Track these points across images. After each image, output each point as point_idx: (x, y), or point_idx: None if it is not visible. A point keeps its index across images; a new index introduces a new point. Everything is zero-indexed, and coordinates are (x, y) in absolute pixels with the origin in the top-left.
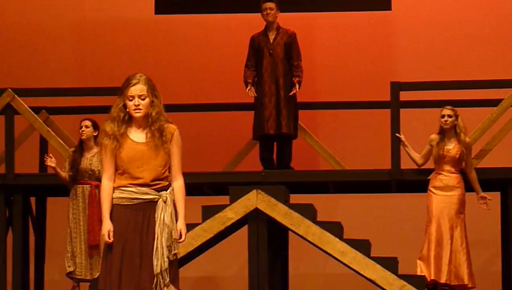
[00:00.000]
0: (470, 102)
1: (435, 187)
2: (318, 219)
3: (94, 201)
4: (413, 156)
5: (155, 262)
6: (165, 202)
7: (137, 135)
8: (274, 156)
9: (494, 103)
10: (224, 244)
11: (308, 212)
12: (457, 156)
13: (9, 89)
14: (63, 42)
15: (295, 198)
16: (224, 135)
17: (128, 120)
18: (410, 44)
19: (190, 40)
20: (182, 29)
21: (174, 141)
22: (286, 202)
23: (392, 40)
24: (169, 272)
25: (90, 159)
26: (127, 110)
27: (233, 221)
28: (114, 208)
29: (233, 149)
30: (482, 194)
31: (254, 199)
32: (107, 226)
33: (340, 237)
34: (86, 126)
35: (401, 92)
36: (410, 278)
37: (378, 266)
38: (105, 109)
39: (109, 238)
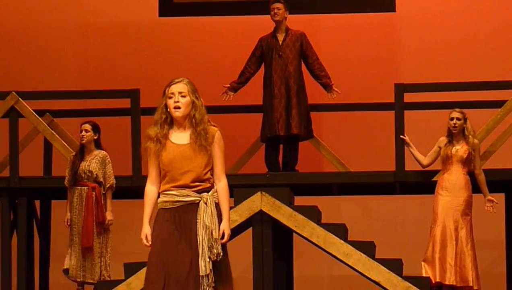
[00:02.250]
0: (474, 103)
1: (442, 188)
2: (322, 221)
3: (90, 202)
4: (418, 157)
5: (202, 264)
6: (205, 203)
7: (178, 137)
8: (280, 159)
9: (498, 104)
10: (228, 246)
11: (313, 214)
12: (465, 156)
13: (13, 92)
14: (67, 45)
15: (299, 200)
16: (228, 137)
17: (170, 122)
18: (414, 46)
19: (194, 42)
20: (186, 31)
21: (216, 142)
22: (290, 204)
23: (396, 42)
24: (219, 275)
25: (89, 161)
26: (168, 110)
27: (237, 223)
28: (158, 212)
29: (237, 151)
30: (489, 197)
31: (259, 201)
32: (145, 230)
33: (345, 239)
34: (86, 130)
35: (405, 94)
36: (415, 280)
37: (383, 267)
38: (109, 112)
39: (147, 242)
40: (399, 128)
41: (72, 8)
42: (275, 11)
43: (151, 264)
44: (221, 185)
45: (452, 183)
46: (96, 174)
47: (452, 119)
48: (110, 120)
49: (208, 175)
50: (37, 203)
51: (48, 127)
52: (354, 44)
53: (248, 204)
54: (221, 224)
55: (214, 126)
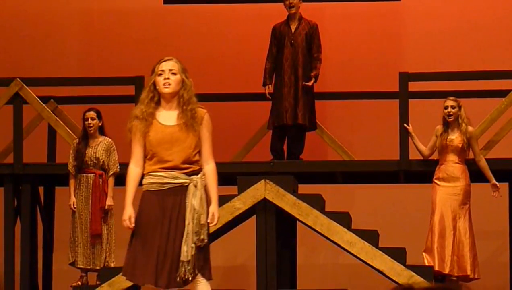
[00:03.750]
0: (478, 92)
1: (439, 179)
2: (326, 209)
3: (98, 190)
4: (420, 147)
5: (184, 249)
6: (195, 186)
7: (166, 117)
8: (285, 147)
9: (502, 94)
10: (232, 234)
11: (317, 202)
12: (460, 145)
13: (18, 79)
14: (71, 32)
15: (303, 189)
16: (233, 125)
17: (158, 101)
18: (419, 35)
19: (199, 30)
20: (191, 19)
21: (204, 124)
22: (294, 192)
23: (401, 31)
24: (199, 260)
25: (95, 148)
26: (157, 88)
27: (241, 211)
28: (144, 194)
29: (241, 139)
30: (494, 182)
31: (263, 189)
32: (128, 212)
33: (348, 228)
34: (92, 118)
35: (409, 83)
36: (418, 269)
37: (386, 256)
38: (113, 99)
39: (130, 224)
40: (404, 117)
41: None
42: (290, 0)
43: (137, 251)
44: (210, 167)
45: (449, 173)
46: (103, 161)
47: (446, 107)
48: (114, 107)
49: (197, 157)
50: (41, 189)
51: (52, 114)
52: (359, 33)
53: (252, 192)
54: (211, 207)
55: (201, 108)
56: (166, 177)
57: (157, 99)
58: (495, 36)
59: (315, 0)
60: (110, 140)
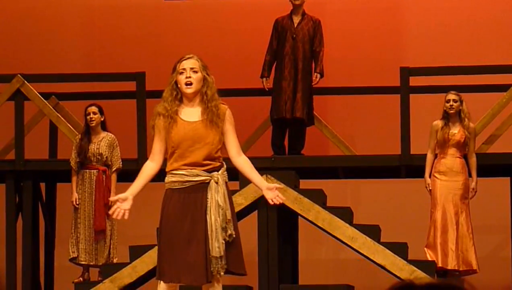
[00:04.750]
0: (480, 87)
1: (439, 172)
2: (328, 204)
3: (101, 186)
4: (429, 166)
5: (215, 245)
6: (216, 183)
7: (188, 114)
8: (286, 142)
9: (504, 88)
10: None
11: (318, 197)
12: (462, 140)
13: (19, 75)
14: (73, 28)
15: (305, 184)
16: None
17: (180, 99)
18: (420, 30)
19: (200, 25)
20: (192, 14)
21: (227, 119)
22: (296, 187)
23: (402, 26)
24: (231, 255)
25: (98, 144)
26: (179, 87)
27: (243, 206)
28: (166, 193)
29: (242, 134)
30: (474, 185)
31: None
32: (121, 195)
33: (350, 223)
34: (94, 113)
35: (410, 77)
36: (420, 264)
37: (388, 251)
38: (114, 95)
39: (115, 202)
40: (405, 111)
41: None
42: None
43: (163, 249)
44: (243, 158)
45: (449, 167)
46: (106, 157)
47: (448, 101)
48: (115, 103)
49: (219, 153)
50: (42, 185)
51: (54, 110)
52: (359, 28)
53: (253, 187)
54: (267, 185)
55: (223, 103)
56: (187, 175)
57: (180, 97)
58: (496, 30)
59: None
60: (112, 136)
